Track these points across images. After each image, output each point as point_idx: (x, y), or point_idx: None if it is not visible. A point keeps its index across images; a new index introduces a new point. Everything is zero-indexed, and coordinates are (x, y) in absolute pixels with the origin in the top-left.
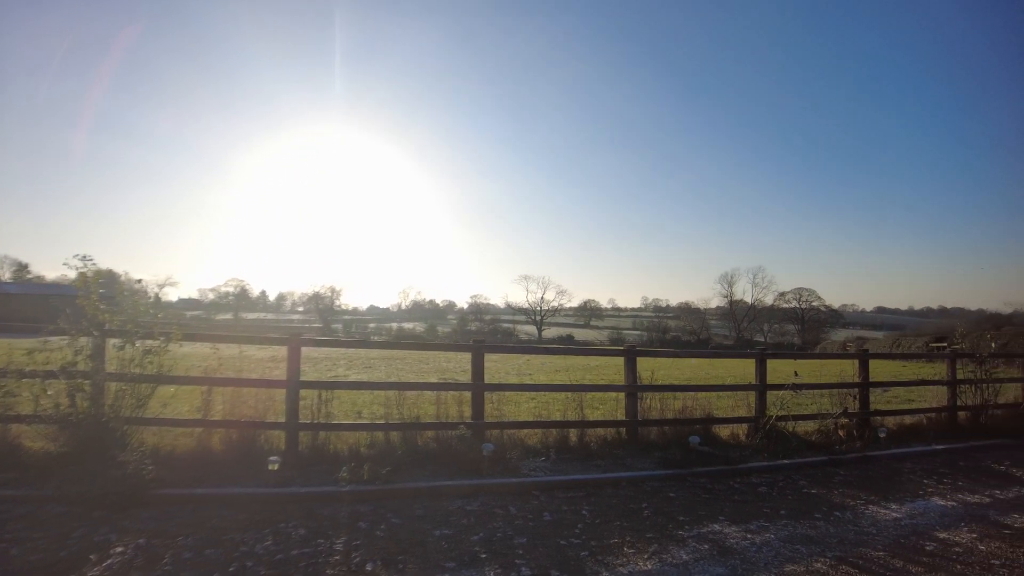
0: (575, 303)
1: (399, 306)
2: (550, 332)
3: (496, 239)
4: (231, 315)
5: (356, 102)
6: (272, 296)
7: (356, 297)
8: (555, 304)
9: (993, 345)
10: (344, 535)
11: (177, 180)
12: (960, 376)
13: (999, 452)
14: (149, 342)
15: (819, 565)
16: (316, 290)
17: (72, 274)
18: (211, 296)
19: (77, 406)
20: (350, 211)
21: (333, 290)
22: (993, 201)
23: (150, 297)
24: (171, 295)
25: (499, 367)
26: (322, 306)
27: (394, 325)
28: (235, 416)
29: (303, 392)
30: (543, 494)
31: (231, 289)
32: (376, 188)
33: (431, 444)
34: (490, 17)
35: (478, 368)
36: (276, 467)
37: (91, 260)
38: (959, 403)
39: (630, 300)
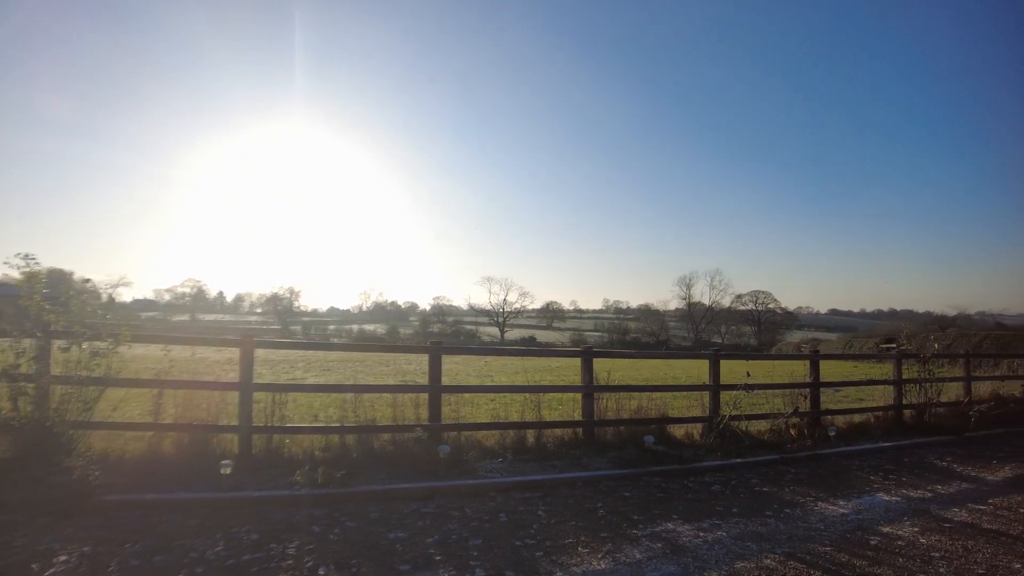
0: (537, 305)
1: (360, 308)
2: (513, 334)
3: (460, 240)
4: (188, 316)
5: (318, 99)
6: (230, 297)
7: (316, 298)
8: (518, 306)
9: (937, 346)
10: (297, 539)
11: (128, 177)
12: (906, 376)
13: (941, 448)
14: (97, 343)
15: (768, 561)
16: (275, 291)
17: (15, 273)
18: (167, 297)
19: (20, 410)
20: (311, 210)
21: (292, 291)
22: (942, 208)
23: (102, 297)
24: (125, 296)
25: (460, 368)
26: (281, 307)
27: (355, 327)
28: (187, 419)
29: (258, 395)
30: (500, 495)
31: (188, 290)
32: (338, 187)
33: (387, 447)
34: (456, 17)
35: (435, 370)
36: (229, 471)
37: (34, 259)
38: (905, 402)
39: (592, 302)
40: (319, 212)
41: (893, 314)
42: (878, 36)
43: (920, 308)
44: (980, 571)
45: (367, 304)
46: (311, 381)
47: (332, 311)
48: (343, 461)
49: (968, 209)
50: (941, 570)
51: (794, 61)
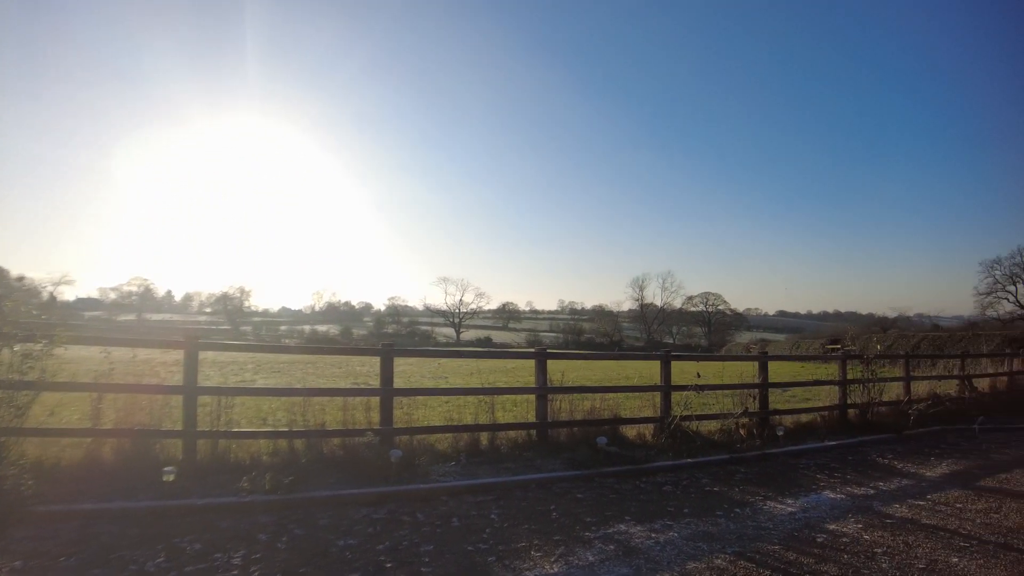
0: (494, 305)
1: (313, 308)
2: (469, 334)
3: (417, 240)
4: (134, 316)
5: (272, 93)
6: (178, 296)
7: (267, 298)
8: (474, 307)
9: (879, 347)
10: (243, 548)
11: (67, 172)
12: (850, 376)
13: (883, 446)
14: (30, 345)
15: (719, 561)
16: (225, 291)
17: None
18: (113, 296)
19: None
20: (263, 207)
21: (243, 291)
22: (884, 213)
23: (42, 296)
24: (68, 294)
25: (415, 370)
26: (231, 307)
27: (307, 327)
28: (128, 424)
29: (205, 399)
30: (452, 499)
31: (134, 288)
32: (292, 183)
33: (337, 452)
34: (415, 15)
35: (387, 372)
36: (172, 478)
37: None
38: (849, 401)
39: (547, 303)
40: (272, 209)
41: (838, 316)
42: (833, 44)
43: (863, 310)
44: (920, 565)
45: (320, 304)
46: (261, 383)
47: (284, 311)
48: (292, 466)
49: (909, 215)
50: (884, 566)
51: (759, 65)
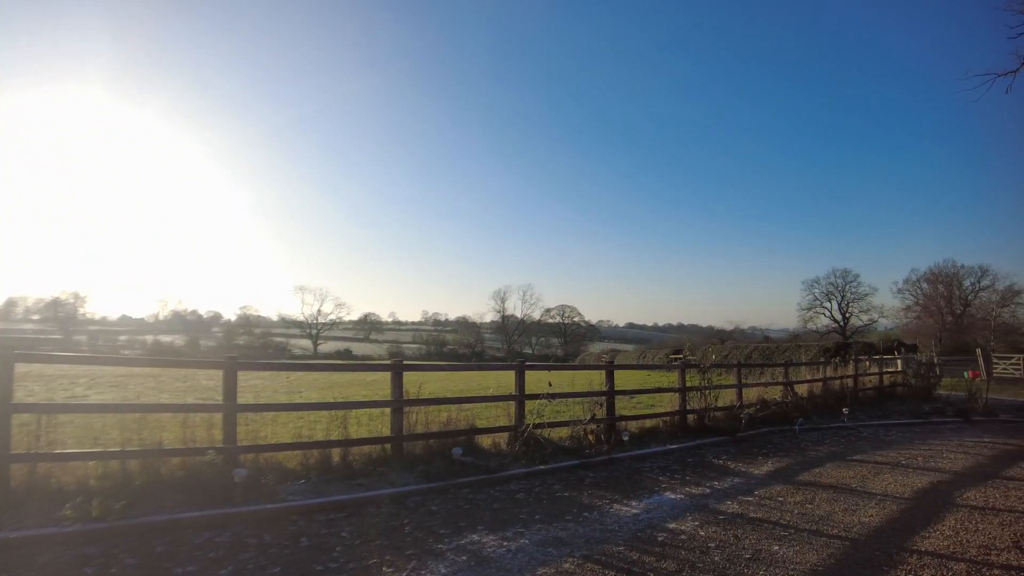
0: (355, 316)
1: (156, 317)
2: (328, 346)
3: (271, 247)
4: None
5: (122, 71)
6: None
7: (106, 305)
8: (333, 317)
9: (714, 357)
10: None
11: None
12: (689, 384)
13: (718, 448)
14: None
15: (568, 565)
16: (56, 296)
17: None
18: None
19: None
20: (102, 202)
21: (77, 296)
22: (721, 232)
23: None
24: None
25: (268, 385)
26: (63, 314)
27: (150, 338)
28: None
29: (25, 417)
30: (301, 519)
31: None
32: (136, 176)
33: (177, 472)
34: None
35: (231, 387)
36: None
37: None
38: (689, 407)
39: (411, 314)
40: (112, 205)
41: (682, 328)
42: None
43: (704, 323)
44: (747, 555)
45: (165, 313)
46: (95, 399)
47: (124, 320)
48: (124, 490)
49: (745, 236)
50: (716, 559)
51: (614, 86)
